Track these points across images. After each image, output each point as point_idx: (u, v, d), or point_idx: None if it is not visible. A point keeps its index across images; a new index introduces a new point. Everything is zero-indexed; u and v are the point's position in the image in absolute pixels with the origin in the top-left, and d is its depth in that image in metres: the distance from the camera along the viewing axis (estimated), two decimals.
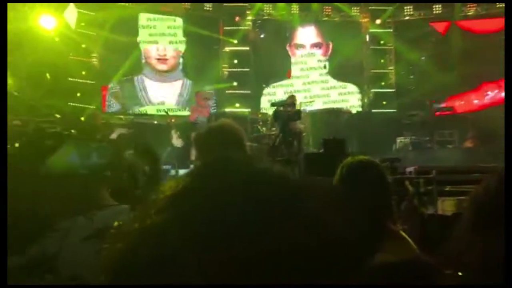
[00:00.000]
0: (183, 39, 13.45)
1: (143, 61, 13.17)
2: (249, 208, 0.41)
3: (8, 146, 1.11)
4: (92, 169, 1.29)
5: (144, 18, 13.21)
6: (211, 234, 0.40)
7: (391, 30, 14.58)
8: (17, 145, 1.16)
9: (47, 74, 10.11)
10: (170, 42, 13.39)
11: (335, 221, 0.45)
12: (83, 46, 11.81)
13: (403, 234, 1.72)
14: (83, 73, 11.70)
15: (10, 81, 9.34)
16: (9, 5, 8.93)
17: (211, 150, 2.05)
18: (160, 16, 13.36)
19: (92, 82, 11.92)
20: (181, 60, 13.53)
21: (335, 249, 0.42)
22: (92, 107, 11.36)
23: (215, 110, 11.98)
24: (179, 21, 13.50)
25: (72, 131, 1.28)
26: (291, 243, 0.40)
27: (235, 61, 14.14)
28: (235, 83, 13.86)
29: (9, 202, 1.10)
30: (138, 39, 13.08)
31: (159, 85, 13.17)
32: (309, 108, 12.46)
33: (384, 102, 14.27)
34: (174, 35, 13.46)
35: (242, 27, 14.17)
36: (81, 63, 11.73)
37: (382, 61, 14.57)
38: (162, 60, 13.29)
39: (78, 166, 1.25)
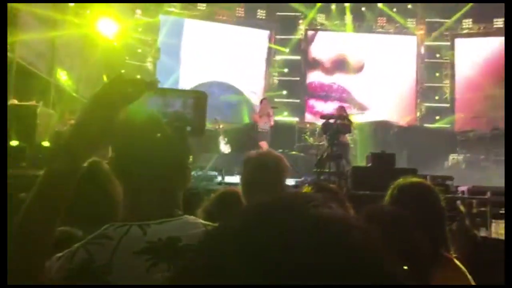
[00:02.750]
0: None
1: None
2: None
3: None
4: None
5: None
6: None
7: (448, 43, 14.15)
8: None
9: (104, 76, 10.50)
10: None
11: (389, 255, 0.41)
12: (139, 50, 12.22)
13: (457, 262, 1.65)
14: (138, 76, 12.10)
15: (69, 82, 9.80)
16: (70, 9, 9.45)
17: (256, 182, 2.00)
18: (212, 23, 13.65)
19: None
20: None
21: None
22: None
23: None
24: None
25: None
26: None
27: (286, 70, 14.17)
28: (284, 92, 13.88)
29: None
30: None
31: None
32: (358, 119, 12.28)
33: (437, 117, 13.84)
34: None
35: (294, 36, 14.19)
36: (137, 67, 12.13)
37: (437, 74, 14.16)
38: None
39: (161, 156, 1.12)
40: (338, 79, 14.34)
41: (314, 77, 14.46)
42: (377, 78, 14.08)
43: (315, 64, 14.44)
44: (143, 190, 1.10)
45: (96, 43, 10.40)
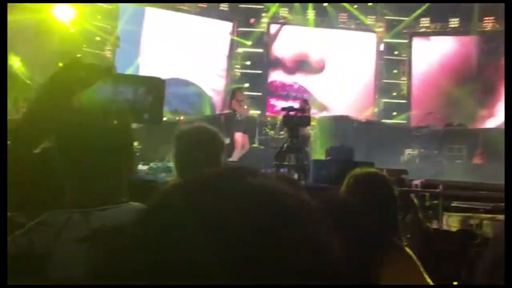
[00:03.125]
0: None
1: None
2: (244, 232, 0.38)
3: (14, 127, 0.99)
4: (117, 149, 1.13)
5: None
6: (196, 259, 0.37)
7: (406, 41, 14.53)
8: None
9: (60, 64, 10.14)
10: None
11: (334, 241, 0.43)
12: (98, 38, 11.89)
13: (408, 249, 1.71)
14: (94, 63, 11.77)
15: (23, 69, 9.43)
16: None
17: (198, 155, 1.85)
18: (173, 12, 13.46)
19: None
20: None
21: (337, 266, 0.41)
22: None
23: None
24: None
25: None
26: (295, 264, 0.38)
27: (248, 63, 14.16)
28: (246, 85, 13.87)
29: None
30: None
31: None
32: (318, 114, 12.44)
33: (394, 113, 14.21)
34: None
35: (257, 29, 14.19)
36: (95, 55, 11.80)
37: (395, 71, 14.52)
38: None
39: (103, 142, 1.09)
40: (299, 79, 14.45)
41: (276, 76, 14.52)
42: (337, 75, 14.29)
43: (277, 63, 14.50)
44: (85, 177, 1.08)
45: (52, 30, 10.04)
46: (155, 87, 1.11)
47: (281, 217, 0.40)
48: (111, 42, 12.28)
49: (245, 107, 9.26)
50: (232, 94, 9.37)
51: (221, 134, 2.00)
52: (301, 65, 14.41)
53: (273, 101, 14.26)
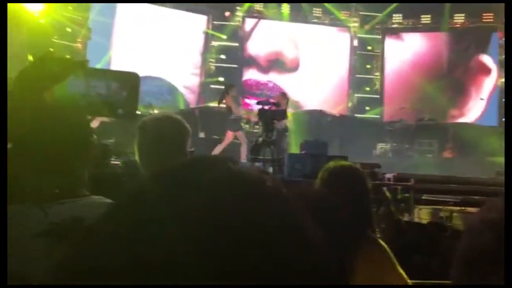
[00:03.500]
0: None
1: None
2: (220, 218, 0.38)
3: None
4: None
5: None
6: (175, 251, 0.36)
7: (379, 37, 14.71)
8: None
9: (29, 56, 9.90)
10: None
11: (313, 228, 0.43)
12: (68, 29, 11.61)
13: (381, 241, 1.73)
14: (67, 57, 11.51)
15: None
16: None
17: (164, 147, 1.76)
18: (147, 4, 13.25)
19: None
20: None
21: (311, 257, 0.41)
22: None
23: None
24: None
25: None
26: (270, 255, 0.38)
27: (223, 57, 14.09)
28: (221, 78, 13.81)
29: None
30: None
31: None
32: (292, 108, 12.49)
33: (367, 108, 14.40)
34: None
35: (232, 23, 14.13)
36: (65, 47, 11.53)
37: (368, 66, 14.69)
38: None
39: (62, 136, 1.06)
40: (274, 78, 14.44)
41: (250, 74, 14.46)
42: (312, 72, 14.34)
43: (251, 62, 14.44)
44: (43, 170, 1.05)
45: (21, 20, 9.75)
46: (129, 82, 1.11)
47: (266, 205, 0.40)
48: (82, 34, 12.01)
49: (240, 105, 9.06)
50: (225, 90, 9.10)
51: (186, 123, 1.91)
52: (275, 63, 14.40)
53: (247, 100, 14.20)
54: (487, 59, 13.86)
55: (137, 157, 1.84)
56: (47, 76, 0.96)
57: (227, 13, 14.07)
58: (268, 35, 14.42)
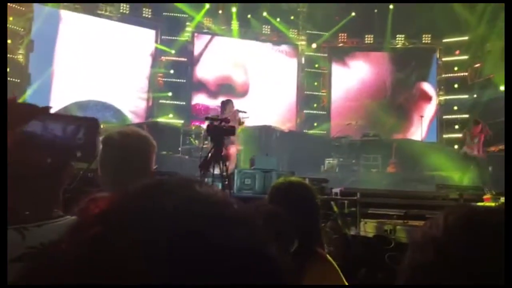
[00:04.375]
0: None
1: None
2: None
3: None
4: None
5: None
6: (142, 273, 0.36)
7: (326, 55, 15.15)
8: None
9: None
10: None
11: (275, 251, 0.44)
12: (9, 41, 11.15)
13: (329, 257, 1.76)
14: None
15: None
16: None
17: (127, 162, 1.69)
18: (92, 17, 12.98)
19: (16, 80, 11.26)
20: None
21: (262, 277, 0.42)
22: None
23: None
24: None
25: None
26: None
27: (172, 71, 13.99)
28: (170, 93, 13.69)
29: None
30: None
31: None
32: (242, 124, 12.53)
33: (315, 123, 14.71)
34: None
35: (181, 38, 14.09)
36: (8, 60, 11.05)
37: (315, 83, 15.06)
38: None
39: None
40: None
41: (199, 99, 14.37)
42: (262, 89, 14.45)
43: (200, 86, 14.36)
44: (18, 190, 1.02)
45: None
46: (89, 127, 1.15)
47: (231, 229, 0.40)
48: (24, 47, 11.57)
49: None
50: (224, 106, 8.77)
51: (152, 139, 1.83)
52: (224, 88, 14.31)
53: (196, 124, 14.02)
54: (427, 87, 14.71)
55: (100, 173, 1.74)
56: (10, 121, 1.00)
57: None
58: (217, 55, 14.41)
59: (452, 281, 0.63)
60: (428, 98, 14.65)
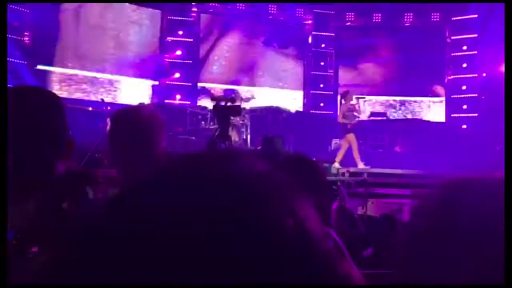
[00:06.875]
0: None
1: None
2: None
3: None
4: None
5: None
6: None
7: (333, 34, 14.96)
8: None
9: None
10: None
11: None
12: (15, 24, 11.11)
13: (334, 235, 1.78)
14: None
15: None
16: None
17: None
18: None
19: (23, 62, 11.28)
20: None
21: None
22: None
23: None
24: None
25: None
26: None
27: (179, 52, 13.90)
28: (177, 74, 13.64)
29: None
30: None
31: None
32: (249, 104, 12.51)
33: (322, 104, 14.63)
34: None
35: (187, 18, 13.97)
36: (12, 41, 11.03)
37: (322, 63, 14.92)
38: None
39: None
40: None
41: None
42: (270, 74, 14.36)
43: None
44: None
45: None
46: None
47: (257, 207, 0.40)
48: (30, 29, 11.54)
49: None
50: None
51: (161, 115, 1.83)
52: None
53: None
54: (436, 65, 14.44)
55: (109, 148, 1.74)
56: None
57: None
58: (222, 32, 14.29)
59: (450, 245, 0.62)
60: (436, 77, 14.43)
